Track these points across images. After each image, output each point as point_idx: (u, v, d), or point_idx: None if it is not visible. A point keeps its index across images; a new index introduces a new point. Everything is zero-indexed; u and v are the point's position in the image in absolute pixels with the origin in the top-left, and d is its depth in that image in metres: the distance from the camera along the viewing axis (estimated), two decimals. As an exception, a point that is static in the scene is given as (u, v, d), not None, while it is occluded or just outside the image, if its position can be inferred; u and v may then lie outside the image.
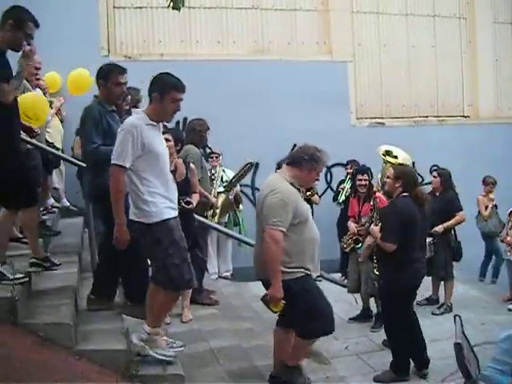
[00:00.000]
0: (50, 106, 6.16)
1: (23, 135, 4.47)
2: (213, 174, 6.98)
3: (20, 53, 3.71)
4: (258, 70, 8.57)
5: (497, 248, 8.25)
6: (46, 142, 5.86)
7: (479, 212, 8.30)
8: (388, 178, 4.97)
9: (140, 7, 8.55)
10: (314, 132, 8.26)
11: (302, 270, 3.90)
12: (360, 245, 6.02)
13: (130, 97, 4.88)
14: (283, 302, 3.76)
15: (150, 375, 3.52)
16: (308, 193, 7.11)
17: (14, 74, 3.69)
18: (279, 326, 4.20)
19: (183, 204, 4.93)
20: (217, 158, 7.35)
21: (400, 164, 5.84)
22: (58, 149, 6.18)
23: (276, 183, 3.93)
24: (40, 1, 7.42)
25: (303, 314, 3.88)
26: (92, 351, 3.52)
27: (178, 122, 7.74)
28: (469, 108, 10.39)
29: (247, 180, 8.20)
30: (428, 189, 6.66)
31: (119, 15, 8.50)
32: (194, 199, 5.37)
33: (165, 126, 4.23)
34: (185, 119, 7.42)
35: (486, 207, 8.23)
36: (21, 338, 3.33)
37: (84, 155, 4.35)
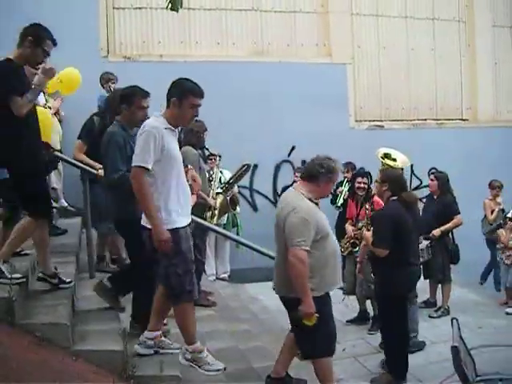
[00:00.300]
0: (49, 106, 6.16)
1: None
2: (211, 176, 6.98)
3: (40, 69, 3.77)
4: (257, 71, 8.57)
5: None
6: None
7: (485, 216, 8.24)
8: (376, 181, 4.99)
9: (139, 8, 8.55)
10: (312, 134, 8.30)
11: (322, 289, 3.87)
12: (357, 248, 6.03)
13: None
14: (316, 315, 3.73)
15: (147, 376, 3.52)
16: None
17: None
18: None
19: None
20: (215, 159, 7.35)
21: (390, 167, 5.85)
22: (57, 150, 6.16)
23: (296, 201, 3.88)
24: (40, 1, 7.49)
25: (313, 334, 3.84)
26: (89, 352, 3.52)
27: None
28: (468, 111, 10.41)
29: (246, 182, 8.20)
30: (426, 192, 6.66)
31: (119, 16, 8.50)
32: (191, 200, 5.35)
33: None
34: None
35: (492, 211, 8.17)
36: (18, 338, 3.33)
37: (108, 182, 4.19)
